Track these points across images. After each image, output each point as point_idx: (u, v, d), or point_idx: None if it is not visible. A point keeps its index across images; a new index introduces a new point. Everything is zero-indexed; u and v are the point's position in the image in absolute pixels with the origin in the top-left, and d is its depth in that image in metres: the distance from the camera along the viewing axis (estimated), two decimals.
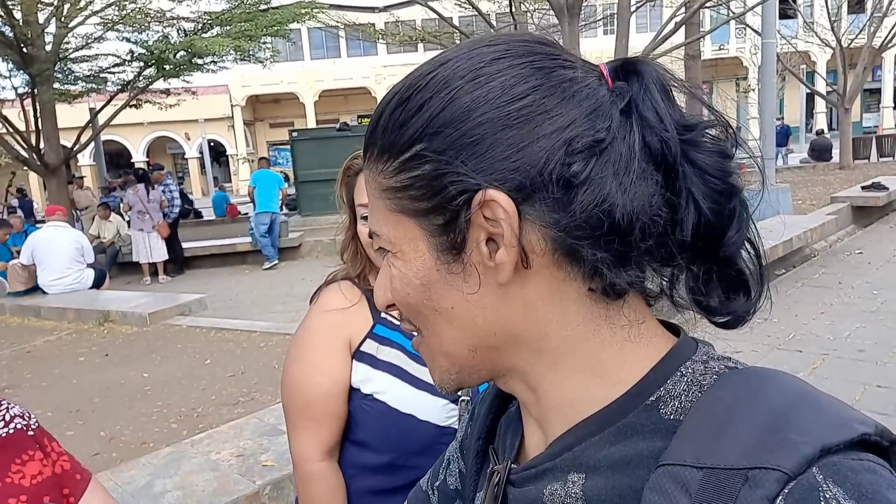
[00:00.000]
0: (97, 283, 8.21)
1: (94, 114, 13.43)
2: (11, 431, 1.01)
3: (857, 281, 6.54)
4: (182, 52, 11.38)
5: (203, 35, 11.53)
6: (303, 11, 12.64)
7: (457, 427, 1.25)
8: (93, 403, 4.54)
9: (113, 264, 10.56)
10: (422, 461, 1.23)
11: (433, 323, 0.51)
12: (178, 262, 10.73)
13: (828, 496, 0.36)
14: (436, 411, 1.25)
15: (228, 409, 4.15)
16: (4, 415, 1.02)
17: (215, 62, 12.83)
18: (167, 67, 11.65)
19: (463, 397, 1.26)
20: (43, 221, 9.56)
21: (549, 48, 0.48)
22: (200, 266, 10.80)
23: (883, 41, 15.37)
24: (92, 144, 14.73)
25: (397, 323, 1.30)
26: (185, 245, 10.97)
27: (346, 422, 1.30)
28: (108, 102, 12.59)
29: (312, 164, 12.56)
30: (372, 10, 23.67)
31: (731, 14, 13.15)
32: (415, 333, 0.55)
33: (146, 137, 33.21)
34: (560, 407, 0.51)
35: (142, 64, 12.02)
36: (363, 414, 1.27)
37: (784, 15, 18.83)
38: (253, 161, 34.41)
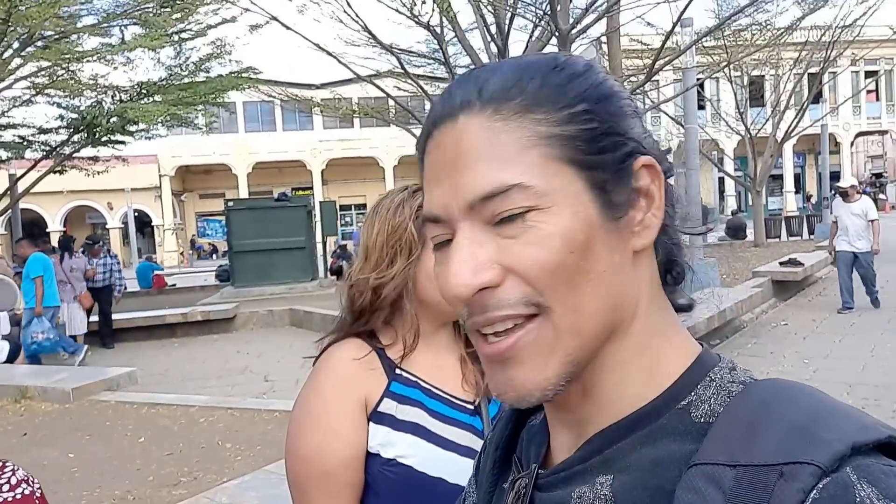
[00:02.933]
0: (11, 357, 7.60)
1: (14, 181, 12.79)
2: (19, 496, 0.91)
3: (787, 351, 6.86)
4: (115, 118, 11.09)
5: (140, 101, 11.30)
6: (241, 81, 12.65)
7: None
8: None
9: None
10: None
11: (579, 291, 0.45)
12: (106, 336, 10.04)
13: (861, 494, 0.38)
14: (465, 473, 1.18)
15: (168, 491, 3.83)
16: (10, 478, 0.92)
17: (148, 129, 12.58)
18: (98, 134, 11.31)
19: None
20: None
21: None
22: (125, 339, 10.18)
23: (785, 132, 16.90)
24: (8, 212, 13.98)
25: (413, 379, 1.24)
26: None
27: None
28: (30, 169, 12.05)
29: (248, 235, 12.29)
30: (310, 86, 24.12)
31: (652, 103, 14.16)
32: (503, 325, 0.47)
33: (64, 206, 31.80)
34: (607, 403, 0.49)
35: (71, 129, 11.62)
36: (385, 481, 1.18)
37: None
38: (182, 230, 33.45)
